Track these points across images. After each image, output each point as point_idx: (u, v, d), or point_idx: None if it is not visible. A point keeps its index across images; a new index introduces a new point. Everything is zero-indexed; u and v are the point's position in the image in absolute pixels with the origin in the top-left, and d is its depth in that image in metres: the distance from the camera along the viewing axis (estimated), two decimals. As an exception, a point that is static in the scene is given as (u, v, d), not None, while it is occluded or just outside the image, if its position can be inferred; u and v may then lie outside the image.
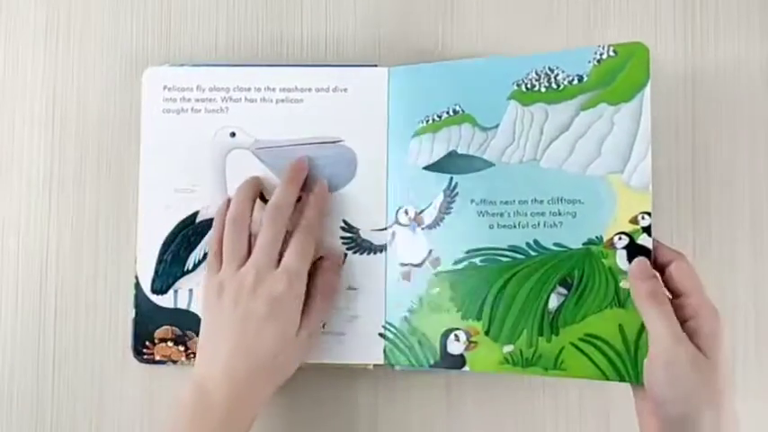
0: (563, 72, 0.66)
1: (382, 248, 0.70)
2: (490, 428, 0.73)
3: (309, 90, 0.72)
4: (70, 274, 0.74)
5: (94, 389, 0.73)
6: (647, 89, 0.64)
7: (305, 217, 0.68)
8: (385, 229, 0.70)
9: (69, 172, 0.75)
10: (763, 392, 0.73)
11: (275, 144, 0.72)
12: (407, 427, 0.73)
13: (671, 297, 0.61)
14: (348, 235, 0.71)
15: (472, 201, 0.67)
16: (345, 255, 0.70)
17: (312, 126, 0.72)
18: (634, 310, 0.61)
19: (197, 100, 0.72)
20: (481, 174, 0.67)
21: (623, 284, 0.63)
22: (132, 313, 0.71)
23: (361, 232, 0.70)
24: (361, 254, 0.71)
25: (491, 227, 0.67)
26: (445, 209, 0.68)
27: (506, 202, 0.66)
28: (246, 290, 0.64)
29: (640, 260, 0.62)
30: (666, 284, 0.62)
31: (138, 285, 0.71)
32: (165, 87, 0.72)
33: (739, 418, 0.58)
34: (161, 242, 0.71)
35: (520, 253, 0.66)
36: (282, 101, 0.72)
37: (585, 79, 0.65)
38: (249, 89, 0.72)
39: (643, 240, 0.62)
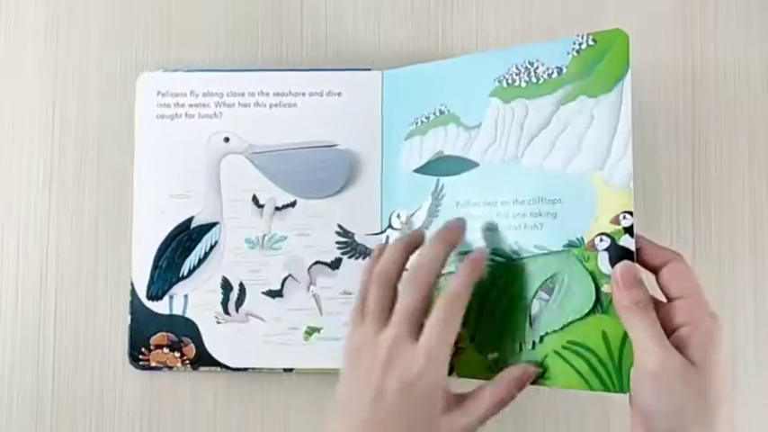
0: (542, 65, 0.63)
1: (377, 253, 0.70)
2: (489, 430, 0.73)
3: (303, 94, 0.72)
4: (70, 275, 0.74)
5: (94, 389, 0.74)
6: (628, 79, 0.59)
7: (453, 284, 0.59)
8: (380, 233, 0.70)
9: (69, 172, 0.75)
10: (762, 393, 0.73)
11: (269, 149, 0.72)
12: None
13: (666, 300, 0.58)
14: (343, 239, 0.71)
15: (458, 203, 0.66)
16: (541, 371, 0.61)
17: (306, 130, 0.72)
18: (617, 317, 0.57)
19: (191, 105, 0.72)
20: (466, 175, 0.66)
21: (605, 289, 0.58)
22: (128, 319, 0.71)
23: (356, 237, 0.70)
24: (357, 258, 0.71)
25: (475, 230, 0.64)
26: (433, 212, 0.67)
27: (489, 204, 0.64)
28: (380, 363, 0.56)
29: (623, 266, 0.57)
30: (660, 287, 0.58)
31: (133, 291, 0.71)
32: (158, 93, 0.72)
33: (737, 429, 0.55)
34: (156, 248, 0.71)
35: (502, 256, 0.63)
36: (276, 105, 0.72)
37: (565, 71, 0.62)
38: (243, 94, 0.72)
39: (624, 242, 0.58)
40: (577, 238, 0.60)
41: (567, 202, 0.61)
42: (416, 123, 0.69)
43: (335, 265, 0.71)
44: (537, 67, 0.63)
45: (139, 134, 0.73)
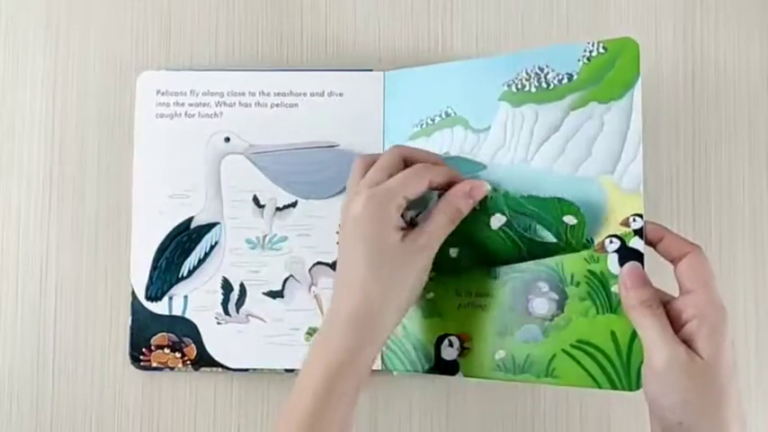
0: (553, 71, 0.64)
1: (378, 254, 0.70)
2: (490, 429, 0.73)
3: (304, 95, 0.72)
4: (70, 275, 0.74)
5: (94, 389, 0.73)
6: (638, 86, 0.61)
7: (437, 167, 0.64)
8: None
9: (69, 172, 0.75)
10: (762, 393, 0.73)
11: (270, 149, 0.72)
12: (407, 431, 0.73)
13: (680, 292, 0.59)
14: (344, 240, 0.70)
15: None
16: (494, 189, 0.65)
17: (307, 131, 0.72)
18: (626, 316, 0.59)
19: (191, 104, 0.72)
20: (473, 176, 0.66)
21: (614, 289, 0.60)
22: (129, 320, 0.71)
23: (357, 237, 0.70)
24: (358, 259, 0.70)
25: (484, 230, 0.65)
26: None
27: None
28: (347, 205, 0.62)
29: (630, 266, 0.59)
30: (676, 278, 0.59)
31: (133, 292, 0.71)
32: (158, 92, 0.72)
33: (745, 420, 0.56)
34: (155, 248, 0.71)
35: (512, 254, 0.64)
36: (277, 105, 0.72)
37: (575, 78, 0.63)
38: (243, 94, 0.72)
39: (634, 243, 0.60)
40: (587, 240, 0.62)
41: (578, 205, 0.63)
42: (421, 125, 0.69)
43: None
44: (547, 73, 0.64)
45: (139, 133, 0.72)
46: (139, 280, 0.71)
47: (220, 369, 0.71)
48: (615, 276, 0.60)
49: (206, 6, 0.76)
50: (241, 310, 0.71)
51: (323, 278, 0.71)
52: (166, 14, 0.76)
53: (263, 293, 0.71)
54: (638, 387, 0.59)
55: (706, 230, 0.74)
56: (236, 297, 0.71)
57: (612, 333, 0.60)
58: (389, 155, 0.64)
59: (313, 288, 0.71)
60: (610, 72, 0.62)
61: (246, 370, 0.71)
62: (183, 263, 0.71)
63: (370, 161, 0.64)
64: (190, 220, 0.71)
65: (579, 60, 0.63)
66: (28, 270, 0.74)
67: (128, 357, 0.71)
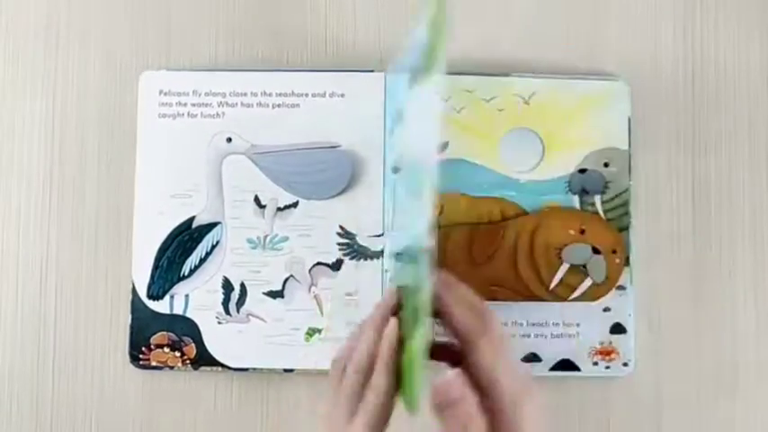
0: (419, 49, 0.52)
1: (379, 255, 0.70)
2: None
3: (306, 95, 0.72)
4: (70, 274, 0.74)
5: (94, 389, 0.73)
6: (440, 58, 0.48)
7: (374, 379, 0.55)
8: (381, 235, 0.70)
9: (70, 172, 0.75)
10: (762, 393, 0.73)
11: (272, 149, 0.72)
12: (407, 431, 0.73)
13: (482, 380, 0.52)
14: (345, 241, 0.71)
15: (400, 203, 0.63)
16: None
17: (309, 131, 0.72)
18: (420, 330, 0.50)
19: (193, 105, 0.72)
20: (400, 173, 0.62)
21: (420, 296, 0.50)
22: (128, 319, 0.72)
23: (357, 238, 0.71)
24: (358, 260, 0.71)
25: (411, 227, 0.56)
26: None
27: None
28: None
29: (442, 383, 0.51)
30: (470, 366, 0.53)
31: (134, 290, 0.71)
32: (160, 92, 0.73)
33: None
34: (157, 248, 0.72)
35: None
36: (279, 106, 0.72)
37: (420, 52, 0.51)
38: (245, 94, 0.72)
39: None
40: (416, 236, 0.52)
41: (409, 203, 0.55)
42: (393, 124, 0.68)
43: (337, 266, 0.71)
44: (416, 51, 0.53)
45: (141, 133, 0.73)
46: (141, 278, 0.72)
47: (220, 368, 0.71)
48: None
49: (206, 6, 0.76)
50: (241, 310, 0.71)
51: (323, 278, 0.71)
52: (166, 14, 0.76)
53: (264, 293, 0.71)
54: (416, 409, 0.53)
55: (706, 230, 0.74)
56: (237, 297, 0.71)
57: (407, 345, 0.52)
58: (360, 357, 0.55)
59: (313, 288, 0.71)
60: (427, 45, 0.50)
61: (246, 369, 0.71)
62: (184, 262, 0.71)
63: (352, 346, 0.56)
64: (191, 219, 0.72)
65: (426, 34, 0.51)
66: (28, 270, 0.74)
67: (127, 357, 0.72)
